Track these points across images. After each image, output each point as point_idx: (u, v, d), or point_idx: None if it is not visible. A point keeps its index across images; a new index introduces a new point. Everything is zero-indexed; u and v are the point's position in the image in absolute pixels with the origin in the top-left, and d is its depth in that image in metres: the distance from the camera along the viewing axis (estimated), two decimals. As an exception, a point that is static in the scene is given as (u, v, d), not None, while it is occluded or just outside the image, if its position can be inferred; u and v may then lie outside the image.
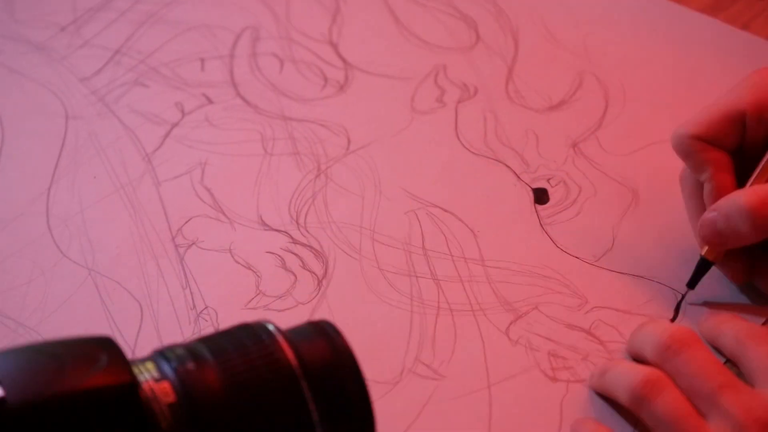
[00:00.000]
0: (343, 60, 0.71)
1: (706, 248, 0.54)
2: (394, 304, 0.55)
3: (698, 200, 0.54)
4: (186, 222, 0.60)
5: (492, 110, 0.66)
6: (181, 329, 0.55)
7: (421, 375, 0.52)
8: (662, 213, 0.59)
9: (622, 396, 0.48)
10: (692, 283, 0.54)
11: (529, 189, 0.61)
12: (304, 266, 0.57)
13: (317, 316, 0.55)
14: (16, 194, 0.63)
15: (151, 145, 0.65)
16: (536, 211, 0.60)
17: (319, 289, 0.56)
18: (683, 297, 0.54)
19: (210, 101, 0.68)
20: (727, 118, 0.52)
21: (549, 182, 0.61)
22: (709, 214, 0.52)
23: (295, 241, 0.59)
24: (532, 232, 0.58)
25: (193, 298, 0.56)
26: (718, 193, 0.52)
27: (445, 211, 0.60)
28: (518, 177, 0.62)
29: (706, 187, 0.53)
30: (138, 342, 0.54)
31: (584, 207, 0.60)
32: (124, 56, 0.72)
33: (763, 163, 0.52)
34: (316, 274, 0.57)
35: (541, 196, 0.60)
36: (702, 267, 0.54)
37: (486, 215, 0.60)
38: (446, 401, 0.51)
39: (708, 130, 0.53)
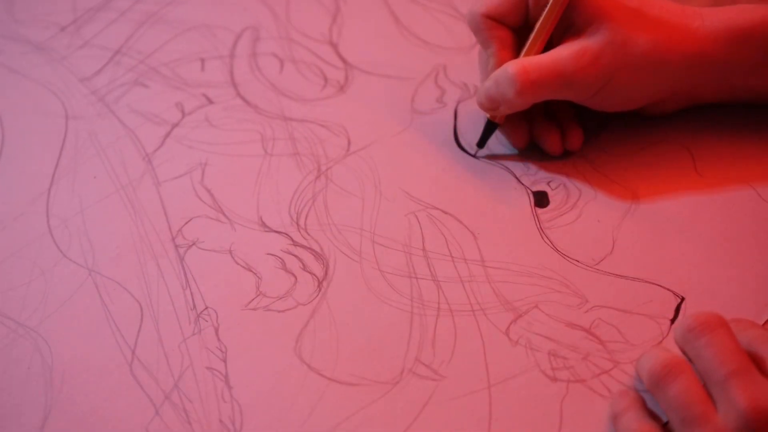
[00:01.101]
0: (343, 60, 0.71)
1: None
2: (395, 305, 0.55)
3: (487, 74, 0.62)
4: (186, 222, 0.60)
5: (492, 111, 0.66)
6: (182, 329, 0.55)
7: (421, 375, 0.52)
8: (662, 216, 0.59)
9: (644, 379, 0.48)
10: (481, 143, 0.63)
11: (530, 192, 0.61)
12: (304, 268, 0.57)
13: (318, 316, 0.55)
14: (17, 194, 0.63)
15: (151, 146, 0.65)
16: (537, 215, 0.60)
17: (320, 291, 0.56)
18: (682, 300, 0.55)
19: (210, 101, 0.68)
20: None
21: (549, 185, 0.61)
22: (486, 83, 0.60)
23: (295, 243, 0.59)
24: (532, 235, 0.58)
25: (193, 299, 0.56)
26: (498, 67, 0.60)
27: (446, 213, 0.60)
28: (518, 180, 0.62)
29: (490, 62, 0.61)
30: (138, 342, 0.54)
31: (584, 210, 0.60)
32: (124, 56, 0.72)
33: (531, 37, 0.59)
34: (316, 276, 0.57)
35: (541, 200, 0.60)
36: (488, 128, 0.62)
37: (486, 218, 0.60)
38: (446, 401, 0.51)
39: (496, 9, 0.60)
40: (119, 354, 0.54)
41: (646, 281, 0.56)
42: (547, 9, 0.58)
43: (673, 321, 0.54)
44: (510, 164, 0.63)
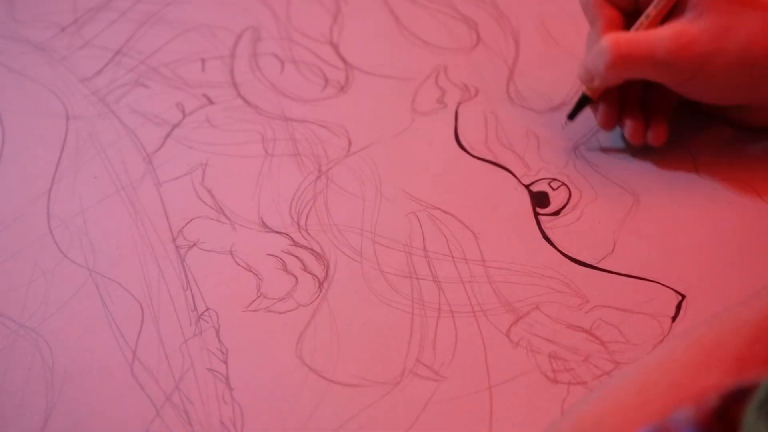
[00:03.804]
0: (344, 60, 0.71)
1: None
2: (395, 306, 0.55)
3: None
4: (187, 223, 0.60)
5: (493, 111, 0.66)
6: (182, 330, 0.55)
7: (421, 376, 0.52)
8: (663, 216, 0.59)
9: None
10: (572, 115, 0.63)
11: (530, 192, 0.61)
12: (305, 269, 0.57)
13: (318, 317, 0.55)
14: (17, 195, 0.63)
15: (151, 146, 0.65)
16: (537, 215, 0.60)
17: (320, 291, 0.56)
18: (683, 298, 0.55)
19: (211, 102, 0.68)
20: None
21: (550, 186, 0.61)
22: (586, 55, 0.60)
23: (296, 244, 0.59)
24: (533, 236, 0.58)
25: (194, 300, 0.56)
26: None
27: (446, 213, 0.60)
28: (519, 180, 0.62)
29: (596, 39, 0.59)
30: (139, 343, 0.54)
31: (585, 211, 0.60)
32: (124, 56, 0.72)
33: (642, 17, 0.58)
34: (317, 277, 0.57)
35: (542, 200, 0.60)
36: (581, 101, 0.62)
37: (487, 218, 0.60)
38: (447, 402, 0.51)
39: None
40: (120, 355, 0.54)
41: (647, 279, 0.56)
42: None
43: (674, 319, 0.54)
44: (510, 165, 0.63)
